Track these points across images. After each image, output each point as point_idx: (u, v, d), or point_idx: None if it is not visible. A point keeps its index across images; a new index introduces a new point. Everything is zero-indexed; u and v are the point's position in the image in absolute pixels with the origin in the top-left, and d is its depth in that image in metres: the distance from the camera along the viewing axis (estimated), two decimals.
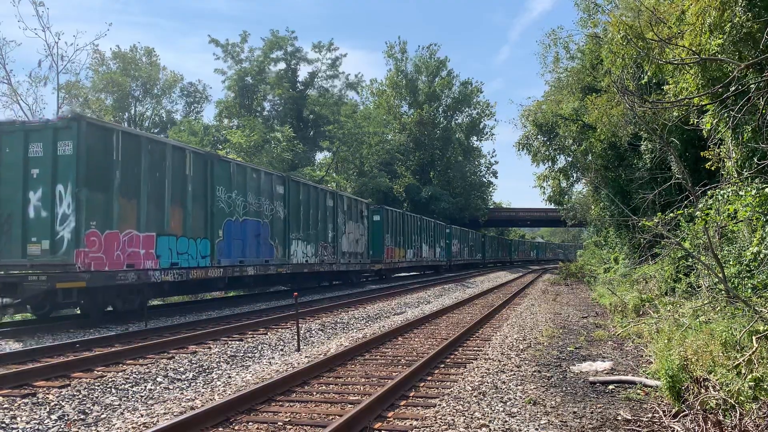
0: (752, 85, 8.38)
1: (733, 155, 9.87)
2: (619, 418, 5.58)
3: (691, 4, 9.03)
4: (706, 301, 8.68)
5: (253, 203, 16.97)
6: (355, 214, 25.27)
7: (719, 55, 8.73)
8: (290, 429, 5.48)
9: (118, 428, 5.48)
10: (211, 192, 14.95)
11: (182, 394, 6.87)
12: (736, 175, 9.61)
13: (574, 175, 27.38)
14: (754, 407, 4.88)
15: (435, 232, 40.38)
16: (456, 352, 9.28)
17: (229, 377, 7.75)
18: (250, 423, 5.63)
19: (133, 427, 5.48)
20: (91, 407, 6.13)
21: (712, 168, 11.15)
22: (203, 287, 16.97)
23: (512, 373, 7.59)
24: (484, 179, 66.79)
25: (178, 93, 50.01)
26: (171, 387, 7.14)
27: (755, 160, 9.05)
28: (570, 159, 24.87)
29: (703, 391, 5.42)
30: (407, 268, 36.10)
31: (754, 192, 7.73)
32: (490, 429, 5.28)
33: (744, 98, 8.61)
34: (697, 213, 8.93)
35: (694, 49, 8.93)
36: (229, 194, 15.73)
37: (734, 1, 8.37)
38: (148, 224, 12.85)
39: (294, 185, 19.70)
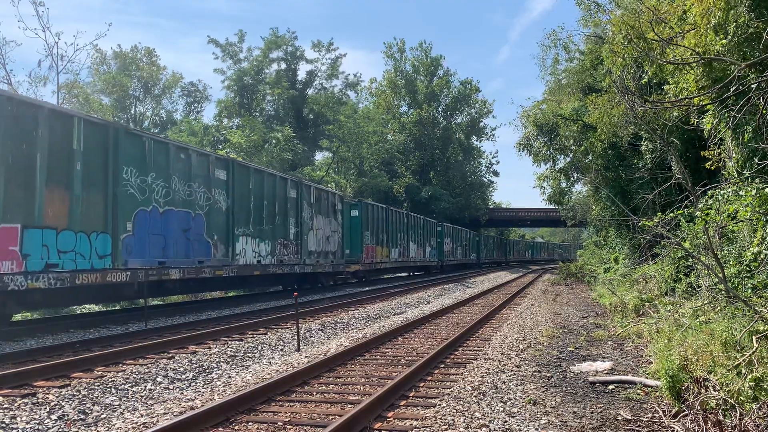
0: (753, 85, 8.38)
1: (733, 155, 9.87)
2: (619, 418, 5.58)
3: (694, 5, 9.02)
4: (706, 301, 8.68)
5: (181, 190, 13.88)
6: (326, 208, 22.33)
7: (724, 56, 8.72)
8: (290, 429, 5.48)
9: (118, 428, 5.48)
10: (115, 173, 11.91)
11: (182, 394, 6.87)
12: (736, 175, 9.60)
13: (575, 175, 27.37)
14: (754, 407, 4.88)
15: (425, 230, 37.93)
16: (456, 352, 9.28)
17: (229, 377, 7.75)
18: (250, 423, 5.62)
19: (133, 427, 5.48)
20: (91, 407, 6.13)
21: (713, 168, 11.15)
22: (104, 295, 13.46)
23: (512, 373, 7.59)
24: (485, 179, 66.87)
25: (178, 93, 50.04)
26: (171, 387, 7.14)
27: (756, 160, 9.05)
28: (570, 159, 24.85)
29: (703, 391, 5.42)
30: (392, 269, 33.00)
31: (754, 192, 7.73)
32: (490, 429, 5.28)
33: (744, 98, 8.61)
34: (697, 213, 8.93)
35: (698, 49, 8.93)
36: (144, 177, 12.71)
37: (739, 2, 8.37)
38: (7, 211, 9.73)
39: (241, 170, 16.66)
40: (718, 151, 10.71)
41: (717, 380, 5.50)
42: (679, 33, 9.87)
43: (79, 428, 5.53)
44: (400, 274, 37.42)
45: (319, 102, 46.38)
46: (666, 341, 7.19)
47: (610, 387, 6.84)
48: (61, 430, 5.46)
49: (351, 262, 25.46)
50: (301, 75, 48.68)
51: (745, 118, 8.99)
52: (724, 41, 8.67)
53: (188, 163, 14.27)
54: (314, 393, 6.79)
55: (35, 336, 10.55)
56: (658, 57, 10.43)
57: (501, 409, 5.91)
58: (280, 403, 6.37)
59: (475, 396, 6.38)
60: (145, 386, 7.06)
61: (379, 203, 31.52)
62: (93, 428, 5.53)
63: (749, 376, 5.27)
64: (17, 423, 5.53)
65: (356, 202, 27.31)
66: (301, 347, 9.94)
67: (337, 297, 18.81)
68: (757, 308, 6.69)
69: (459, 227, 49.43)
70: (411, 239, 34.52)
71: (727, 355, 5.98)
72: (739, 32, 8.49)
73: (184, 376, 7.63)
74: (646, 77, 12.64)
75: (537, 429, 5.28)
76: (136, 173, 12.56)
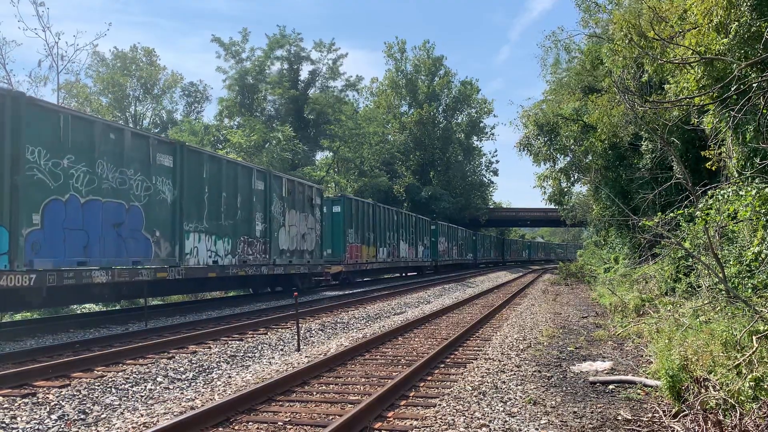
0: (754, 84, 8.38)
1: (734, 155, 9.87)
2: (619, 418, 5.58)
3: (695, 4, 9.02)
4: (706, 301, 8.68)
5: (111, 177, 11.73)
6: (301, 202, 20.01)
7: (725, 55, 8.72)
8: (290, 429, 5.48)
9: (118, 428, 5.48)
10: (15, 154, 9.78)
11: (182, 394, 6.87)
12: (736, 175, 9.60)
13: (575, 175, 27.36)
14: (754, 407, 4.87)
15: (417, 229, 35.86)
16: (456, 352, 9.28)
17: (229, 377, 7.75)
18: (250, 423, 5.62)
19: (133, 427, 5.48)
20: (91, 407, 6.13)
21: (713, 168, 11.15)
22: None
23: (512, 373, 7.59)
24: (485, 179, 66.89)
25: (178, 93, 50.05)
26: (171, 387, 7.14)
27: (756, 160, 9.05)
28: (570, 159, 24.85)
29: (703, 391, 5.41)
30: (380, 270, 30.54)
31: (754, 192, 7.73)
32: (490, 429, 5.28)
33: (744, 98, 8.61)
34: (697, 213, 8.93)
35: (698, 48, 8.92)
36: (58, 161, 10.62)
37: (741, 1, 8.36)
38: None
39: (193, 157, 14.28)
40: (719, 151, 10.71)
41: (717, 380, 5.50)
42: (680, 32, 9.87)
43: (79, 428, 5.53)
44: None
45: (320, 102, 46.39)
46: (666, 341, 7.19)
47: (610, 387, 6.84)
48: (61, 430, 5.46)
49: (332, 262, 23.52)
50: (304, 75, 48.73)
51: (746, 118, 8.99)
52: (725, 40, 8.67)
53: (120, 145, 11.91)
54: (314, 393, 6.79)
55: (35, 336, 10.56)
56: (659, 56, 10.43)
57: (501, 409, 5.91)
58: (280, 403, 6.37)
59: (475, 396, 6.38)
60: (145, 386, 7.06)
61: (365, 199, 29.60)
62: (93, 428, 5.53)
63: (749, 376, 5.27)
64: (17, 423, 5.53)
65: (338, 197, 25.34)
66: (301, 347, 9.94)
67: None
68: (757, 308, 6.69)
69: (455, 226, 47.50)
70: (402, 238, 32.46)
71: (727, 355, 5.98)
72: (741, 31, 8.48)
73: (184, 376, 7.63)
74: (647, 76, 12.65)
75: (537, 429, 5.28)
76: (46, 155, 10.41)
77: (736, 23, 8.48)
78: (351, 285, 25.19)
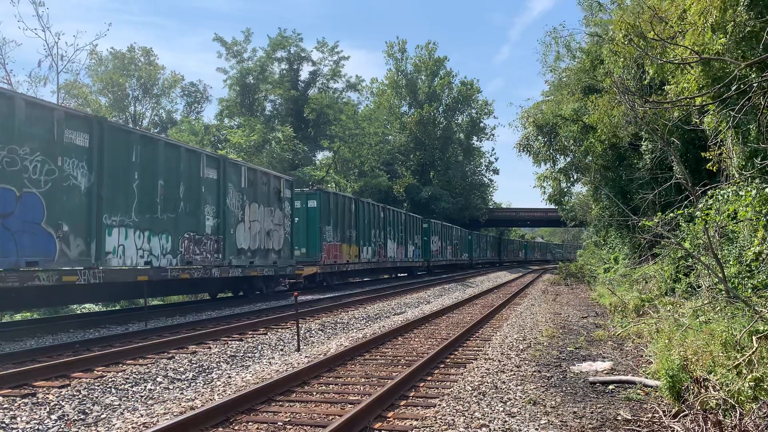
0: (754, 84, 8.38)
1: (734, 155, 9.88)
2: (619, 418, 5.58)
3: (693, 4, 9.03)
4: (706, 301, 8.69)
5: None
6: (266, 195, 17.66)
7: (723, 55, 8.73)
8: (290, 429, 5.48)
9: (118, 428, 5.48)
10: None
11: (182, 394, 6.87)
12: (737, 176, 9.61)
13: (575, 175, 27.37)
14: (754, 407, 4.88)
15: (407, 227, 33.57)
16: (456, 352, 9.28)
17: (229, 377, 7.75)
18: (250, 423, 5.63)
19: (133, 427, 5.48)
20: (91, 407, 6.13)
21: (713, 168, 11.15)
22: None
23: (512, 373, 7.59)
24: (485, 179, 66.93)
25: (178, 93, 50.06)
26: (171, 387, 7.14)
27: (757, 160, 9.05)
28: (570, 159, 24.86)
29: (703, 391, 5.42)
30: (363, 271, 28.11)
31: (754, 192, 7.73)
32: (490, 429, 5.28)
33: (744, 98, 8.61)
34: (697, 213, 8.94)
35: (696, 48, 8.93)
36: None
37: (736, 1, 8.37)
38: None
39: (117, 136, 12.00)
40: (719, 151, 10.71)
41: (717, 380, 5.51)
42: (680, 32, 9.88)
43: (79, 428, 5.53)
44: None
45: (320, 102, 46.40)
46: (666, 341, 7.19)
47: (610, 387, 6.84)
48: (61, 430, 5.46)
49: (306, 263, 21.20)
50: (304, 75, 48.74)
51: (746, 118, 8.99)
52: (722, 40, 8.67)
53: (9, 116, 9.67)
54: (314, 393, 6.79)
55: (35, 336, 10.56)
56: (659, 56, 10.43)
57: (501, 409, 5.91)
58: (280, 403, 6.37)
59: (475, 396, 6.38)
60: (145, 386, 7.06)
61: (348, 194, 27.36)
62: (93, 428, 5.53)
63: (749, 376, 5.28)
64: (17, 423, 5.53)
65: (314, 190, 22.98)
66: (301, 347, 9.94)
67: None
68: (757, 308, 6.70)
69: (448, 224, 45.04)
70: (389, 236, 30.09)
71: (727, 355, 5.99)
72: (737, 31, 8.49)
73: (184, 376, 7.63)
74: (648, 77, 12.64)
75: (537, 429, 5.28)
76: None
77: (732, 23, 8.48)
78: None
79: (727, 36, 8.60)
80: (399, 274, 35.86)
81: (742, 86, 8.60)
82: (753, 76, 8.49)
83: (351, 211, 25.10)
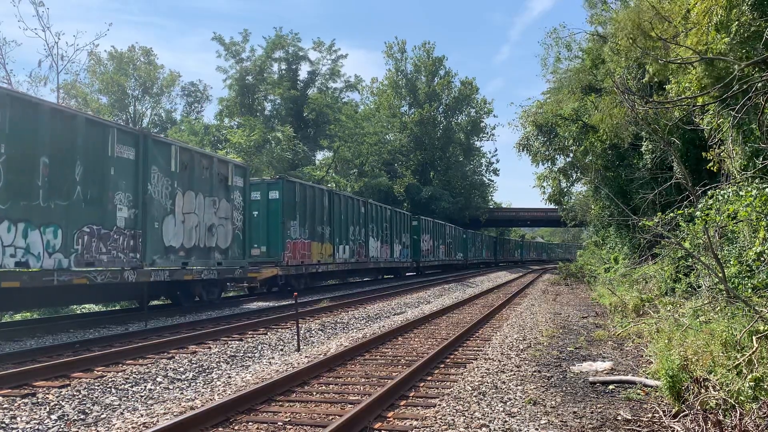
0: (759, 84, 8.38)
1: (734, 155, 9.87)
2: (619, 418, 5.58)
3: (697, 3, 9.02)
4: (706, 301, 8.69)
5: None
6: (207, 182, 14.88)
7: (727, 55, 8.72)
8: (290, 429, 5.48)
9: (118, 428, 5.48)
10: None
11: (182, 394, 6.87)
12: (737, 176, 9.61)
13: (574, 175, 27.40)
14: (754, 407, 4.88)
15: (393, 224, 30.56)
16: (456, 352, 9.28)
17: (229, 377, 7.75)
18: (250, 423, 5.62)
19: (133, 427, 5.48)
20: (91, 407, 6.13)
21: (714, 168, 11.16)
22: None
23: (512, 373, 7.59)
24: (485, 179, 66.95)
25: (178, 92, 50.08)
26: (171, 387, 7.14)
27: (759, 159, 9.05)
28: (570, 159, 24.87)
29: (703, 391, 5.42)
30: (340, 272, 25.07)
31: (754, 192, 7.73)
32: (490, 429, 5.28)
33: (745, 97, 8.61)
34: (697, 213, 8.93)
35: (700, 48, 8.92)
36: None
37: (741, 0, 8.36)
38: None
39: None
40: (719, 151, 10.72)
41: (717, 380, 5.50)
42: (682, 32, 9.87)
43: (79, 428, 5.53)
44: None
45: (319, 102, 46.43)
46: (666, 341, 7.19)
47: (610, 387, 6.84)
48: (61, 430, 5.46)
49: (266, 263, 18.53)
50: (303, 75, 48.76)
51: (747, 118, 8.99)
52: (726, 40, 8.67)
53: None
54: (314, 393, 6.79)
55: (35, 336, 10.56)
56: (661, 57, 10.44)
57: (501, 409, 5.91)
58: (280, 403, 6.37)
59: (475, 396, 6.38)
60: (145, 386, 7.06)
61: (321, 185, 24.37)
62: (93, 428, 5.53)
63: (749, 376, 5.28)
64: (17, 423, 5.53)
65: (276, 179, 19.90)
66: (301, 347, 9.94)
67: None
68: (757, 308, 6.69)
69: (441, 222, 42.39)
70: (372, 234, 27.28)
71: (727, 355, 5.99)
72: (741, 31, 8.48)
73: (184, 376, 7.63)
74: (648, 76, 12.65)
75: (537, 429, 5.28)
76: None
77: (737, 22, 8.48)
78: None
79: (731, 36, 8.59)
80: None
81: (743, 86, 8.60)
82: (755, 75, 8.49)
83: (324, 205, 22.15)
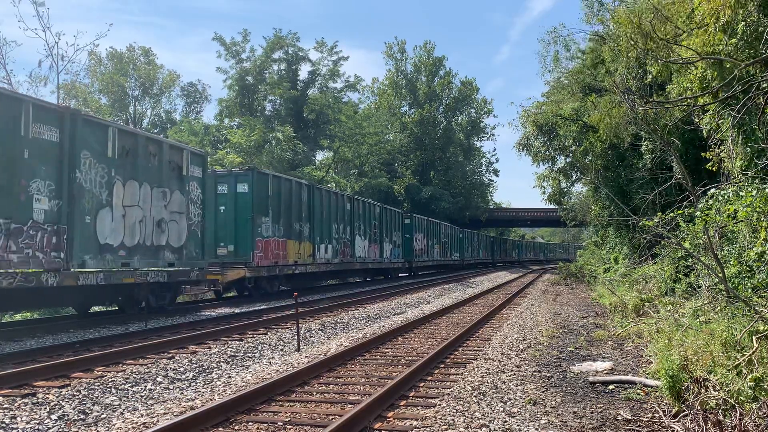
0: (763, 84, 8.37)
1: (734, 155, 9.88)
2: (619, 418, 5.58)
3: (701, 3, 9.01)
4: (706, 301, 8.69)
5: None
6: (153, 170, 13.14)
7: (734, 55, 8.71)
8: (290, 429, 5.48)
9: (118, 428, 5.48)
10: None
11: (182, 394, 6.87)
12: (738, 176, 9.61)
13: (574, 175, 27.41)
14: (754, 407, 4.88)
15: (383, 222, 28.78)
16: (456, 352, 9.29)
17: (229, 377, 7.75)
18: (250, 423, 5.63)
19: (133, 427, 5.48)
20: (91, 407, 6.13)
21: (713, 168, 11.16)
22: None
23: (512, 373, 7.59)
24: (485, 179, 66.97)
25: (177, 92, 50.10)
26: (171, 387, 7.14)
27: (760, 160, 9.05)
28: (570, 159, 24.88)
29: (703, 391, 5.42)
30: (321, 274, 22.93)
31: (755, 192, 7.73)
32: (490, 429, 5.28)
33: (746, 97, 8.61)
34: (697, 213, 8.94)
35: (706, 49, 8.91)
36: None
37: (748, 1, 8.34)
38: None
39: None
40: (719, 151, 10.72)
41: (717, 380, 5.51)
42: (684, 32, 9.86)
43: (79, 428, 5.53)
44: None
45: (319, 102, 46.43)
46: (666, 341, 7.19)
47: (610, 387, 6.85)
48: (61, 430, 5.46)
49: (233, 264, 16.82)
50: (303, 75, 48.78)
51: (748, 118, 9.00)
52: (732, 41, 8.66)
53: None
54: (314, 393, 6.79)
55: (35, 336, 10.55)
56: (662, 57, 10.43)
57: (501, 409, 5.91)
58: (280, 403, 6.37)
59: (475, 396, 6.38)
60: (145, 386, 7.06)
61: (299, 179, 22.51)
62: (93, 428, 5.53)
63: (749, 376, 5.28)
64: (17, 423, 5.53)
65: (245, 171, 18.09)
66: (301, 347, 9.94)
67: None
68: (757, 308, 6.70)
69: (436, 221, 40.66)
70: (358, 232, 25.46)
71: (727, 355, 5.99)
72: (750, 31, 8.46)
73: (184, 376, 7.63)
74: (650, 77, 12.65)
75: (537, 429, 5.28)
76: None
77: (743, 23, 8.46)
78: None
79: (737, 36, 8.58)
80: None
81: (743, 86, 8.59)
82: (757, 75, 8.48)
83: (302, 200, 20.30)
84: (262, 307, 15.20)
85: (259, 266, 17.38)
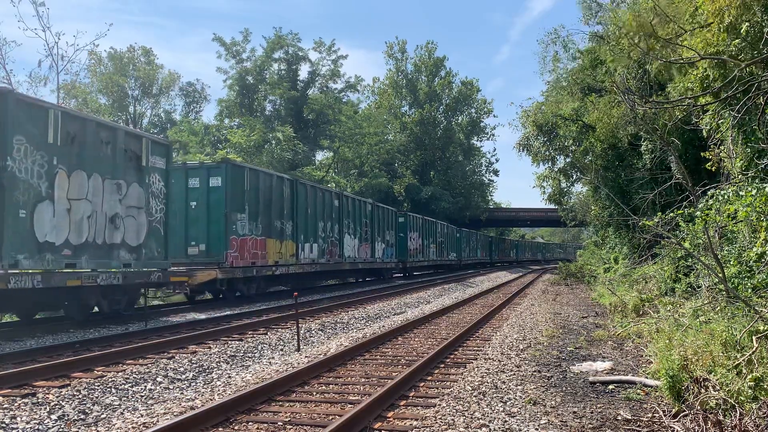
0: (764, 84, 8.37)
1: (734, 155, 9.88)
2: (619, 418, 5.58)
3: (705, 3, 9.00)
4: (706, 301, 8.69)
5: None
6: (106, 160, 11.79)
7: (737, 56, 8.70)
8: (290, 429, 5.48)
9: (118, 428, 5.48)
10: None
11: (182, 394, 6.87)
12: (737, 175, 9.61)
13: (574, 175, 27.42)
14: (754, 407, 4.88)
15: (375, 220, 27.62)
16: (456, 352, 9.29)
17: (229, 377, 7.75)
18: (250, 423, 5.63)
19: (133, 427, 5.48)
20: (91, 407, 6.14)
21: (713, 168, 11.16)
22: None
23: (512, 373, 7.59)
24: (485, 179, 67.00)
25: (176, 92, 50.10)
26: (171, 387, 7.14)
27: (761, 160, 9.05)
28: (570, 159, 24.89)
29: (703, 391, 5.42)
30: (305, 275, 21.27)
31: (754, 192, 7.73)
32: (490, 429, 5.28)
33: (746, 97, 8.61)
34: (697, 213, 8.94)
35: (710, 50, 8.91)
36: None
37: (754, 2, 8.34)
38: None
39: None
40: (718, 151, 10.72)
41: (717, 380, 5.51)
42: (686, 31, 9.85)
43: (79, 428, 5.53)
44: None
45: (319, 102, 46.45)
46: (666, 341, 7.19)
47: (610, 387, 6.85)
48: (61, 430, 5.46)
49: (205, 264, 15.66)
50: (303, 75, 48.79)
51: (748, 118, 9.00)
52: (736, 41, 8.66)
53: None
54: (314, 393, 6.79)
55: (35, 336, 10.55)
56: (663, 57, 10.43)
57: (501, 409, 5.91)
58: (280, 403, 6.37)
59: (475, 396, 6.38)
60: (145, 386, 7.06)
61: (281, 174, 20.80)
62: (93, 428, 5.53)
63: (749, 376, 5.28)
64: (17, 423, 5.53)
65: (218, 164, 16.76)
66: (301, 347, 9.94)
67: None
68: (757, 308, 6.70)
69: (432, 219, 39.35)
70: (348, 231, 24.22)
71: (727, 355, 5.99)
72: (755, 31, 8.45)
73: (184, 376, 7.63)
74: (651, 76, 12.65)
75: (537, 429, 5.28)
76: None
77: (747, 23, 8.45)
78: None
79: (741, 37, 8.57)
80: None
81: (744, 86, 8.59)
82: (759, 75, 8.47)
83: (284, 196, 18.99)
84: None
85: (233, 267, 16.14)
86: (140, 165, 12.77)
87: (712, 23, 8.91)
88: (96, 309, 12.28)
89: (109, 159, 11.96)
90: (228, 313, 14.03)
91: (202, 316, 13.40)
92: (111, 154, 11.99)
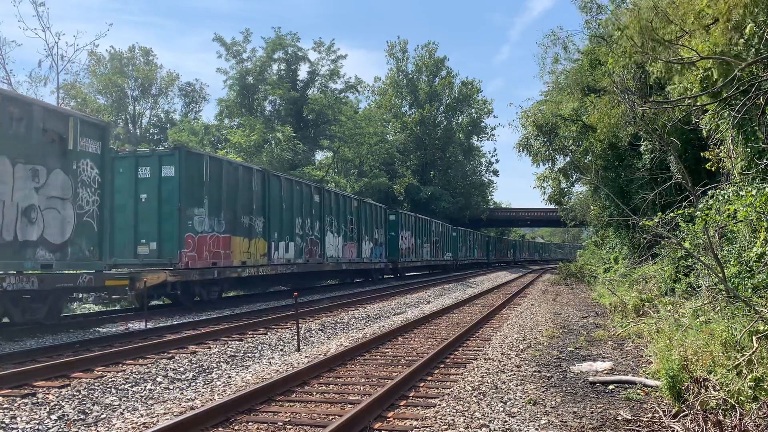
0: (764, 84, 8.36)
1: (734, 155, 9.88)
2: (619, 418, 5.58)
3: (708, 4, 9.00)
4: (706, 301, 8.69)
5: None
6: (16, 140, 9.98)
7: (743, 55, 8.70)
8: (290, 429, 5.48)
9: (118, 428, 5.48)
10: None
11: (182, 394, 6.87)
12: (737, 175, 9.61)
13: (574, 175, 27.40)
14: (754, 407, 4.88)
15: (361, 217, 25.84)
16: (456, 352, 9.29)
17: (229, 377, 7.75)
18: (250, 423, 5.63)
19: (133, 427, 5.48)
20: (91, 407, 6.13)
21: (713, 168, 11.16)
22: None
23: (512, 373, 7.59)
24: (485, 179, 67.02)
25: (176, 92, 50.08)
26: (171, 387, 7.14)
27: (761, 160, 9.05)
28: (570, 159, 24.88)
29: (703, 391, 5.42)
30: (279, 276, 19.39)
31: (754, 192, 7.73)
32: (490, 429, 5.28)
33: (745, 97, 8.61)
34: (697, 213, 8.94)
35: (715, 50, 8.90)
36: None
37: (759, 3, 8.33)
38: None
39: None
40: (718, 151, 10.72)
41: (717, 380, 5.51)
42: (689, 31, 9.84)
43: (79, 428, 5.53)
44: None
45: (319, 102, 46.45)
46: (666, 341, 7.19)
47: (610, 387, 6.84)
48: (61, 430, 5.46)
49: (156, 265, 13.85)
50: (302, 75, 48.79)
51: (749, 118, 9.00)
52: (741, 41, 8.66)
53: None
54: (314, 393, 6.79)
55: (35, 336, 10.55)
56: (664, 57, 10.42)
57: (501, 409, 5.91)
58: (280, 403, 6.37)
59: (475, 396, 6.38)
60: (145, 386, 7.06)
61: (250, 164, 19.38)
62: (93, 428, 5.53)
63: (749, 376, 5.28)
64: (17, 423, 5.53)
65: (170, 150, 14.78)
66: (301, 347, 9.94)
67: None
68: (757, 308, 6.70)
69: (426, 218, 37.58)
70: (330, 229, 22.39)
71: (727, 355, 5.99)
72: (759, 32, 8.45)
73: (184, 376, 7.63)
74: (651, 77, 12.64)
75: (537, 429, 5.28)
76: None
77: (752, 23, 8.45)
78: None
79: (746, 37, 8.57)
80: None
81: (744, 86, 8.59)
82: (759, 75, 8.47)
83: (254, 189, 17.09)
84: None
85: (188, 268, 14.12)
86: (65, 149, 10.86)
87: (717, 22, 8.90)
88: (6, 319, 10.49)
89: (22, 140, 10.03)
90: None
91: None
92: (24, 134, 10.08)
